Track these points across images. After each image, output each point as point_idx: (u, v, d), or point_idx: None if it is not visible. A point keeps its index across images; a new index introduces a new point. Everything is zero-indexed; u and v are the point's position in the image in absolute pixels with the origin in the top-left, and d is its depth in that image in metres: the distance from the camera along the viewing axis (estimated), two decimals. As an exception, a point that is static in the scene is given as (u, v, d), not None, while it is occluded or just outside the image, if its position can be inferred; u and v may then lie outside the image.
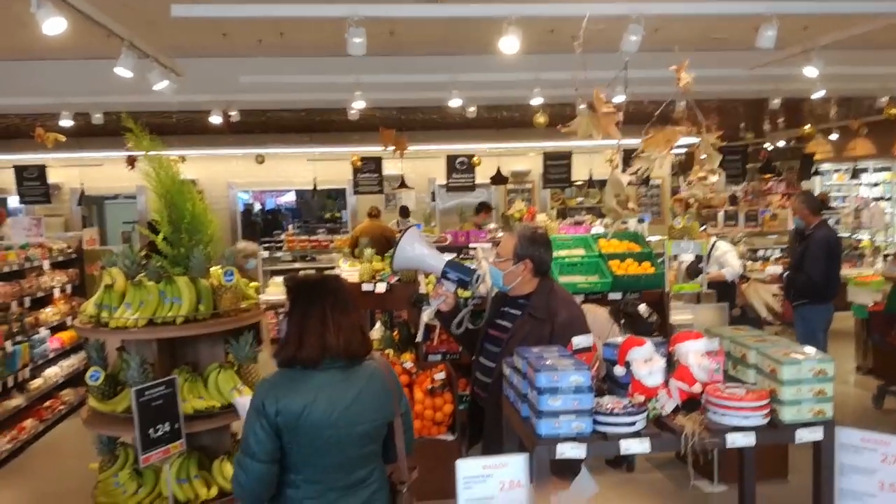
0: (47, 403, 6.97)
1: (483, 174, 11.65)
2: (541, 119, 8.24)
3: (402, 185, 11.78)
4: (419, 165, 13.22)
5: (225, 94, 7.67)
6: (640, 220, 8.13)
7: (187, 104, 8.13)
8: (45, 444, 6.63)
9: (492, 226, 8.60)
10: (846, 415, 6.49)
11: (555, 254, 5.05)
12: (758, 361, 2.58)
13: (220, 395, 3.55)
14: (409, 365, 4.76)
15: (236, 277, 3.70)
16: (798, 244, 6.55)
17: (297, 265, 11.65)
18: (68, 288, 7.70)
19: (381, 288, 5.67)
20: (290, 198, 16.53)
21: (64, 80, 7.17)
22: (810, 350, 2.57)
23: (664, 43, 4.82)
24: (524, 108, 9.69)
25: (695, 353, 2.55)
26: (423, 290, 5.52)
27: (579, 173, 11.64)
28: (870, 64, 7.47)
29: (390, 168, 11.48)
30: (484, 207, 10.32)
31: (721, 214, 11.36)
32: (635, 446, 2.34)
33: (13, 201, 11.94)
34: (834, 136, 13.20)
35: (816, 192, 14.26)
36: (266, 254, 11.53)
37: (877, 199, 14.29)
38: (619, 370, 2.62)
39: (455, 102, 7.72)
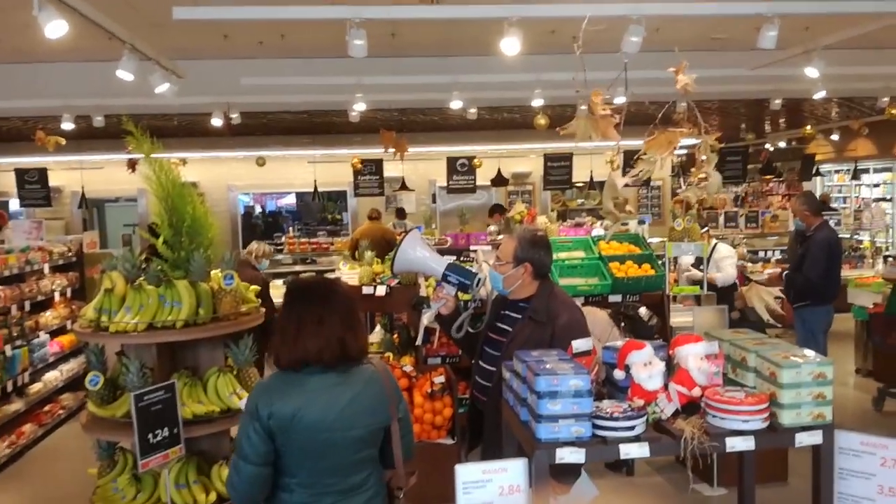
0: (47, 408, 6.97)
1: (484, 176, 11.65)
2: (541, 121, 8.24)
3: (403, 187, 11.78)
4: (420, 167, 13.23)
5: (226, 97, 7.67)
6: (641, 222, 8.13)
7: (188, 106, 8.13)
8: (44, 449, 6.63)
9: (492, 228, 8.60)
10: (846, 417, 6.48)
11: (555, 256, 5.05)
12: (757, 365, 2.58)
13: (219, 400, 3.54)
14: (408, 368, 4.75)
15: (236, 281, 3.70)
16: (799, 245, 6.55)
17: (297, 268, 11.65)
18: (68, 291, 7.69)
19: (381, 291, 5.66)
20: (290, 200, 16.54)
21: (65, 82, 7.18)
22: (810, 353, 2.57)
23: (665, 43, 4.82)
24: (525, 110, 9.69)
25: (694, 357, 2.54)
26: (423, 292, 5.52)
27: (580, 175, 11.64)
28: (871, 64, 7.46)
29: (391, 170, 11.49)
30: (498, 209, 10.30)
31: (721, 216, 11.37)
32: (635, 451, 2.33)
33: (14, 204, 11.95)
34: (835, 137, 13.19)
35: (817, 193, 14.27)
36: (267, 256, 11.50)
37: (878, 200, 14.28)
38: (618, 374, 2.61)
39: (456, 104, 7.71)
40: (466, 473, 2.31)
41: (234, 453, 2.40)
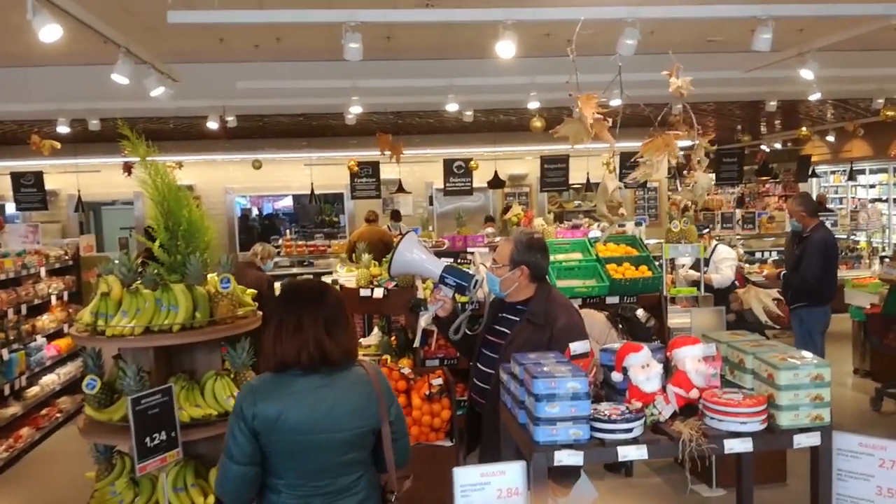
0: (44, 411, 6.96)
1: (480, 178, 11.65)
2: (537, 123, 8.25)
3: (400, 189, 11.78)
4: (416, 170, 13.23)
5: (222, 100, 7.67)
6: (638, 224, 8.14)
7: (184, 110, 8.12)
8: (42, 453, 6.61)
9: (489, 230, 8.60)
10: (844, 417, 6.50)
11: (552, 258, 5.05)
12: (755, 366, 2.58)
13: (216, 404, 3.54)
14: (406, 370, 4.74)
15: (233, 285, 3.69)
16: (795, 246, 6.56)
17: (294, 270, 11.65)
18: (65, 295, 7.68)
19: (378, 293, 5.66)
20: (287, 203, 16.53)
21: (61, 86, 7.17)
22: (807, 355, 2.57)
23: (660, 46, 4.82)
24: (521, 113, 9.70)
25: (692, 359, 2.55)
26: (420, 295, 5.51)
27: (577, 177, 11.65)
28: (866, 66, 7.48)
29: (388, 172, 11.49)
30: (491, 220, 10.36)
31: (718, 217, 11.39)
32: (633, 453, 2.33)
33: (10, 208, 11.92)
34: (830, 138, 13.23)
35: (813, 194, 14.31)
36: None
37: (874, 201, 14.32)
38: (616, 376, 2.62)
39: (452, 107, 7.72)
40: (464, 476, 2.31)
41: (223, 453, 2.42)
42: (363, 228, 10.31)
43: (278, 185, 13.89)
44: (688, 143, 3.89)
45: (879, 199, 14.56)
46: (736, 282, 6.71)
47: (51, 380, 7.16)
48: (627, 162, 10.51)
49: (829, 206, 14.19)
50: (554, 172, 11.10)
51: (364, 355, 5.94)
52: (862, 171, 14.86)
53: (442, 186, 11.40)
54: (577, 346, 2.73)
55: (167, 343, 3.50)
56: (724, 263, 6.63)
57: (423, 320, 3.47)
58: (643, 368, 2.54)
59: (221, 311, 3.60)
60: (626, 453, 2.33)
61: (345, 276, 7.64)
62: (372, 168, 11.23)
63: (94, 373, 3.57)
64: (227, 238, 13.20)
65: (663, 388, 2.53)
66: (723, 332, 3.38)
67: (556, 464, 2.31)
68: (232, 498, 2.43)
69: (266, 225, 15.78)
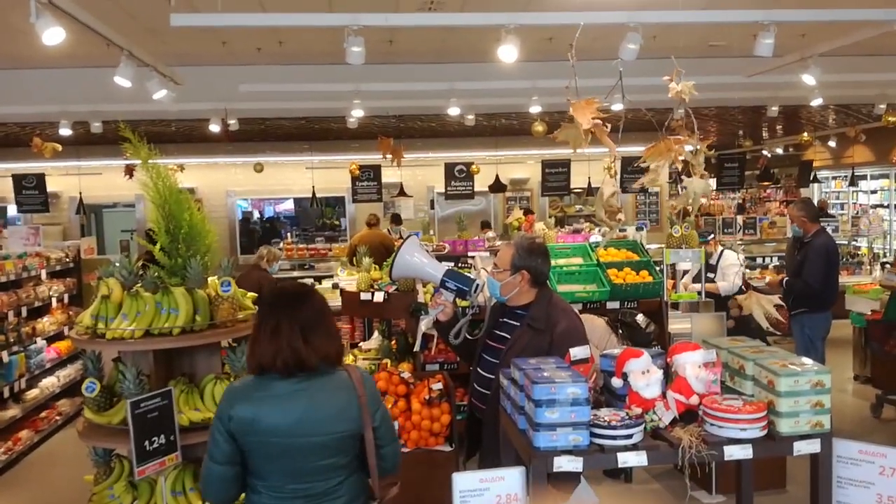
0: (43, 414, 6.95)
1: (482, 182, 11.66)
2: (539, 128, 8.26)
3: (401, 193, 11.79)
4: (418, 173, 13.25)
5: (224, 103, 7.68)
6: (639, 229, 8.14)
7: (186, 113, 8.14)
8: (41, 455, 6.61)
9: (490, 234, 8.61)
10: (844, 424, 6.48)
11: (553, 262, 5.04)
12: (755, 373, 2.57)
13: (216, 407, 3.52)
14: (406, 375, 4.73)
15: (233, 288, 3.69)
16: (797, 252, 6.55)
17: (295, 273, 11.64)
18: (66, 297, 7.68)
19: (378, 297, 5.65)
20: (288, 206, 16.53)
21: (63, 88, 7.19)
22: (808, 361, 2.56)
23: (662, 51, 4.82)
24: (522, 117, 9.72)
25: (692, 365, 2.54)
26: (420, 299, 5.51)
27: (578, 181, 11.66)
28: (867, 71, 7.49)
29: (389, 176, 11.50)
30: (487, 225, 10.37)
31: (719, 222, 11.39)
32: (632, 459, 2.33)
33: (12, 210, 11.93)
34: (832, 143, 13.23)
35: (815, 200, 14.29)
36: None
37: (875, 207, 14.31)
38: (616, 382, 2.61)
39: (453, 111, 7.73)
40: (463, 482, 2.30)
41: (206, 452, 2.47)
42: (364, 232, 10.31)
43: (280, 189, 13.91)
44: (689, 147, 3.88)
45: (881, 205, 14.55)
46: (743, 287, 6.68)
47: (50, 382, 7.15)
48: (629, 167, 10.53)
49: (831, 211, 14.17)
50: (555, 177, 11.11)
51: (364, 359, 5.93)
52: (863, 177, 14.86)
53: (443, 190, 11.40)
54: (577, 352, 2.73)
55: (167, 346, 3.49)
56: (731, 270, 6.61)
57: (424, 324, 3.47)
58: (643, 374, 2.53)
59: (222, 314, 3.60)
60: (626, 459, 2.33)
61: (345, 279, 7.63)
62: (373, 171, 11.24)
63: (94, 376, 3.57)
64: (229, 241, 13.22)
65: (663, 394, 2.52)
66: (723, 338, 3.38)
67: (555, 469, 2.30)
68: (213, 496, 2.48)
69: (267, 228, 15.78)
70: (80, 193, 11.57)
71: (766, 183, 15.85)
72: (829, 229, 7.47)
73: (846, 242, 11.67)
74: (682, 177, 3.80)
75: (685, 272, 6.80)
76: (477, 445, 3.39)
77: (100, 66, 5.83)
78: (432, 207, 13.61)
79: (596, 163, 11.12)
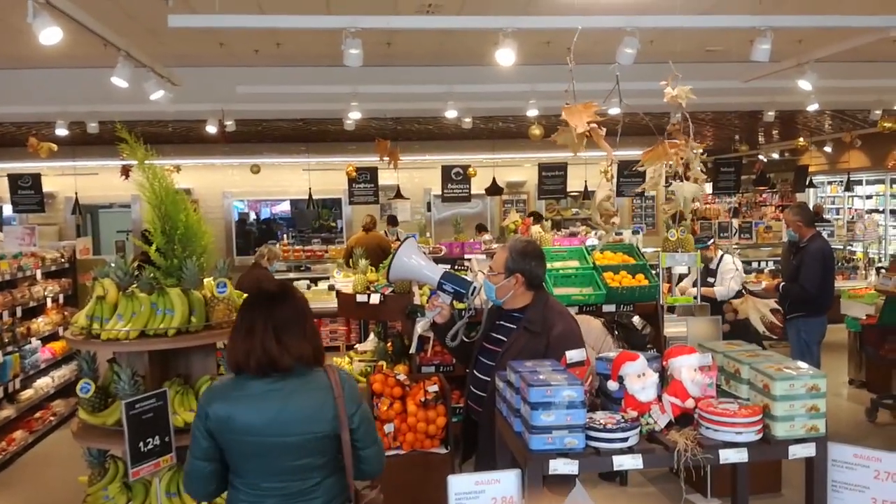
0: (38, 414, 6.93)
1: (478, 185, 11.66)
2: (536, 131, 8.26)
3: (398, 195, 11.79)
4: (415, 176, 13.26)
5: (221, 104, 7.67)
6: (635, 232, 8.14)
7: (183, 113, 8.13)
8: (35, 456, 6.58)
9: (486, 237, 8.60)
10: (839, 428, 6.49)
11: (549, 265, 5.04)
12: (751, 377, 2.58)
13: (211, 408, 3.52)
14: (402, 377, 4.73)
15: (229, 289, 3.69)
16: (792, 256, 6.57)
17: (291, 275, 11.63)
18: (61, 298, 7.66)
19: (375, 299, 5.65)
20: (285, 207, 16.51)
21: (60, 88, 7.18)
22: (803, 365, 2.57)
23: (659, 55, 4.84)
24: (519, 120, 9.72)
25: (688, 368, 2.55)
26: (417, 301, 5.51)
27: (575, 184, 11.67)
28: (863, 77, 7.52)
29: (386, 178, 11.50)
30: (483, 228, 10.38)
31: (715, 226, 11.41)
32: (628, 462, 2.33)
33: (7, 210, 11.90)
34: (828, 149, 13.26)
35: (810, 205, 14.33)
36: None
37: (870, 212, 14.35)
38: (612, 385, 2.61)
39: (451, 113, 7.73)
40: (459, 484, 2.30)
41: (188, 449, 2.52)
42: (360, 234, 10.30)
43: (276, 190, 13.89)
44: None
45: (876, 210, 14.59)
46: (743, 291, 6.69)
47: (45, 383, 7.13)
48: (626, 171, 10.55)
49: (826, 216, 14.22)
50: (552, 180, 11.12)
51: (360, 361, 5.93)
52: (859, 182, 14.91)
53: (440, 193, 11.40)
54: (573, 355, 2.74)
55: (162, 347, 3.49)
56: (728, 275, 6.62)
57: (420, 326, 3.46)
58: (639, 377, 2.53)
59: (217, 315, 3.59)
60: (622, 462, 2.33)
61: (341, 281, 7.62)
62: (370, 174, 11.24)
63: (89, 376, 3.56)
64: (225, 242, 13.20)
65: (659, 398, 2.53)
66: (719, 341, 3.39)
67: (550, 472, 2.30)
68: (193, 491, 2.55)
69: (263, 229, 15.76)
70: (76, 194, 11.53)
71: (762, 188, 15.89)
72: (824, 234, 7.49)
73: (842, 247, 11.70)
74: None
75: (682, 276, 6.81)
76: (473, 448, 3.39)
77: (97, 66, 5.82)
78: (429, 210, 13.61)
79: (593, 166, 11.10)
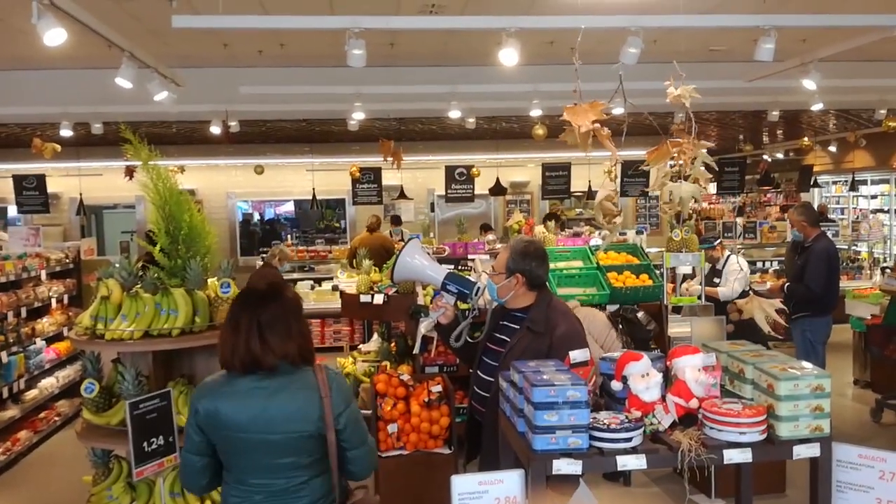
0: (42, 414, 6.94)
1: (482, 185, 11.66)
2: (539, 131, 8.26)
3: (402, 195, 11.79)
4: (418, 176, 13.26)
5: (225, 105, 7.69)
6: (639, 232, 8.14)
7: (187, 114, 8.14)
8: (40, 456, 6.60)
9: (490, 237, 8.60)
10: (844, 428, 6.48)
11: (553, 265, 5.04)
12: (755, 377, 2.57)
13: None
14: (405, 377, 4.73)
15: (233, 289, 3.69)
16: (797, 256, 6.55)
17: (295, 275, 11.65)
18: (65, 298, 7.68)
19: (378, 299, 5.66)
20: (288, 208, 16.54)
21: (64, 89, 7.20)
22: (807, 365, 2.56)
23: (663, 55, 4.83)
24: (523, 120, 9.72)
25: (692, 368, 2.54)
26: (420, 301, 5.51)
27: (578, 184, 11.66)
28: (868, 76, 7.50)
29: (389, 178, 11.50)
30: (487, 228, 10.37)
31: (720, 226, 11.38)
32: (632, 462, 2.32)
33: (12, 210, 11.93)
34: (832, 148, 13.23)
35: (815, 204, 14.29)
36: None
37: (875, 212, 14.31)
38: (616, 385, 2.61)
39: (454, 113, 7.74)
40: (462, 484, 2.30)
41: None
42: (364, 235, 10.31)
43: (280, 190, 13.91)
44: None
45: (881, 210, 14.55)
46: (749, 291, 6.67)
47: (49, 383, 7.15)
48: (629, 170, 10.53)
49: (831, 216, 14.18)
50: (555, 180, 11.10)
51: (363, 361, 5.93)
52: (864, 182, 14.86)
53: (443, 193, 11.40)
54: (576, 355, 2.73)
55: (166, 347, 3.50)
56: (732, 276, 6.60)
57: (423, 327, 3.47)
58: (643, 377, 2.53)
59: (221, 315, 3.59)
60: (625, 463, 2.32)
61: (345, 281, 7.63)
62: (374, 174, 11.24)
63: (93, 376, 3.57)
64: (229, 243, 13.23)
65: (663, 398, 2.52)
66: (723, 341, 3.38)
67: (554, 472, 2.30)
68: (186, 483, 2.61)
69: (267, 230, 15.78)
70: (81, 194, 11.56)
71: (766, 187, 15.86)
72: (829, 234, 7.47)
73: (846, 247, 11.67)
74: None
75: (686, 276, 6.80)
76: (477, 448, 3.39)
77: (101, 67, 5.84)
78: (432, 210, 13.61)
79: (596, 166, 11.12)
